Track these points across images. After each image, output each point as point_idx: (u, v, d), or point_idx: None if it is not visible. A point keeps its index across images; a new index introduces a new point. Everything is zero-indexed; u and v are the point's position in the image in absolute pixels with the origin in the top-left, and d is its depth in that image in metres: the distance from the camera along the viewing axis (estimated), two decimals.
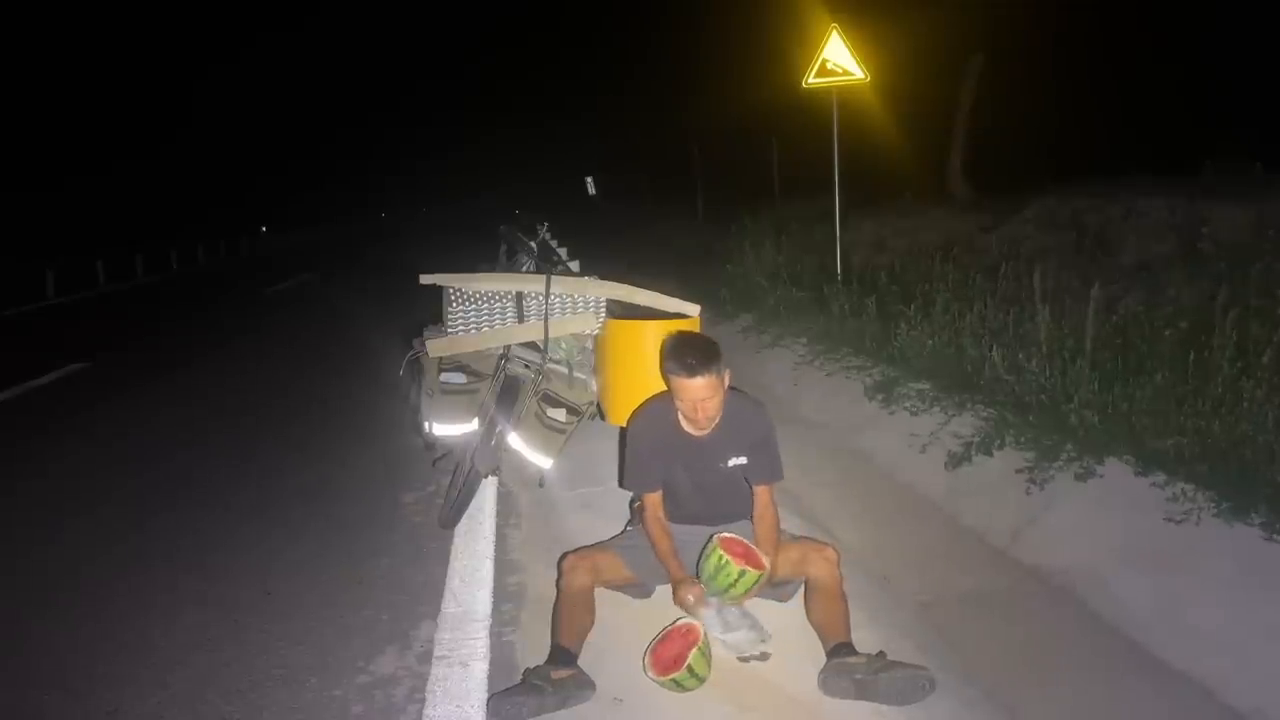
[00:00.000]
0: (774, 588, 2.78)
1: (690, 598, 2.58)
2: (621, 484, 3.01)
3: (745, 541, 2.64)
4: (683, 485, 2.86)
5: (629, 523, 3.09)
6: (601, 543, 2.92)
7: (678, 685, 2.37)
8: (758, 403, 2.92)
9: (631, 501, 3.12)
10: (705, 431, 2.78)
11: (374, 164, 56.35)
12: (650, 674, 2.39)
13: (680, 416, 2.78)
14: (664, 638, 2.46)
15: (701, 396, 2.62)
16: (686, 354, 2.62)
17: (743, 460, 2.80)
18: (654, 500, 2.82)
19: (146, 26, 33.88)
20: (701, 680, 2.39)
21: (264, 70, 41.38)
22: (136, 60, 32.66)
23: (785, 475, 2.89)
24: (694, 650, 2.37)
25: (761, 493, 2.81)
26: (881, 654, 2.40)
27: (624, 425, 3.11)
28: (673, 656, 2.38)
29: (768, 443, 2.84)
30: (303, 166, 44.34)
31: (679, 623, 2.50)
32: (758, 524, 2.78)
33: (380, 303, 10.68)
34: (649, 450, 2.82)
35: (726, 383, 2.69)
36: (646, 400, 2.93)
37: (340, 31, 54.77)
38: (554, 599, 2.68)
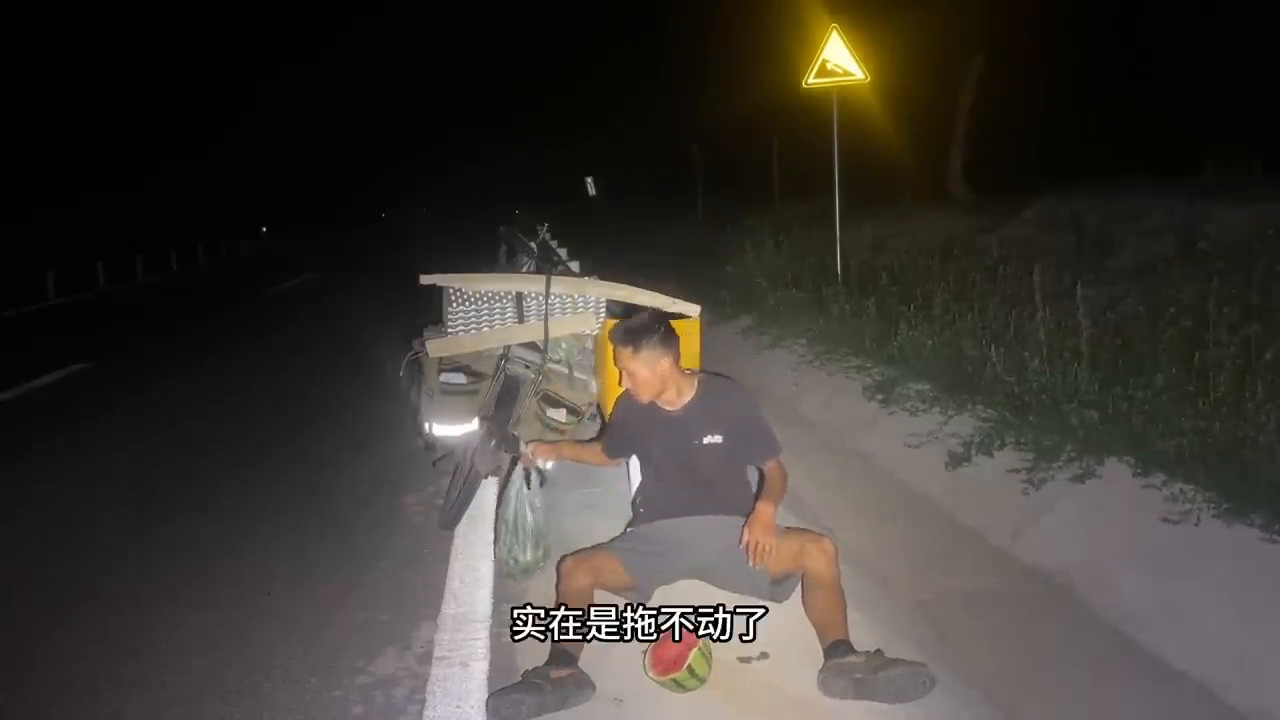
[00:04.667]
0: (772, 585, 2.78)
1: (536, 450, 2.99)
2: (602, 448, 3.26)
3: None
4: (668, 467, 2.94)
5: (629, 524, 3.09)
6: (600, 545, 2.92)
7: (678, 685, 2.37)
8: (734, 381, 3.07)
9: (633, 501, 3.13)
10: (677, 407, 2.92)
11: (375, 165, 56.47)
12: (650, 674, 2.39)
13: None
14: (664, 638, 2.46)
15: (626, 365, 2.84)
16: (624, 326, 2.90)
17: (718, 439, 2.88)
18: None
19: (162, 34, 34.07)
20: (702, 680, 2.39)
21: (271, 80, 41.63)
22: (148, 68, 32.73)
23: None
24: (694, 650, 2.37)
25: (769, 469, 2.92)
26: (879, 651, 2.40)
27: None
28: (673, 657, 2.38)
29: (751, 419, 2.95)
30: (303, 168, 44.42)
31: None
32: (767, 481, 2.89)
33: (380, 303, 10.69)
34: (621, 418, 3.07)
35: (663, 367, 2.83)
36: None
37: (341, 45, 54.77)
38: (553, 601, 2.68)
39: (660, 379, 2.85)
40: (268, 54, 43.46)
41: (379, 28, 61.21)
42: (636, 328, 2.87)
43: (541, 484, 3.72)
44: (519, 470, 3.16)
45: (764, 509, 2.69)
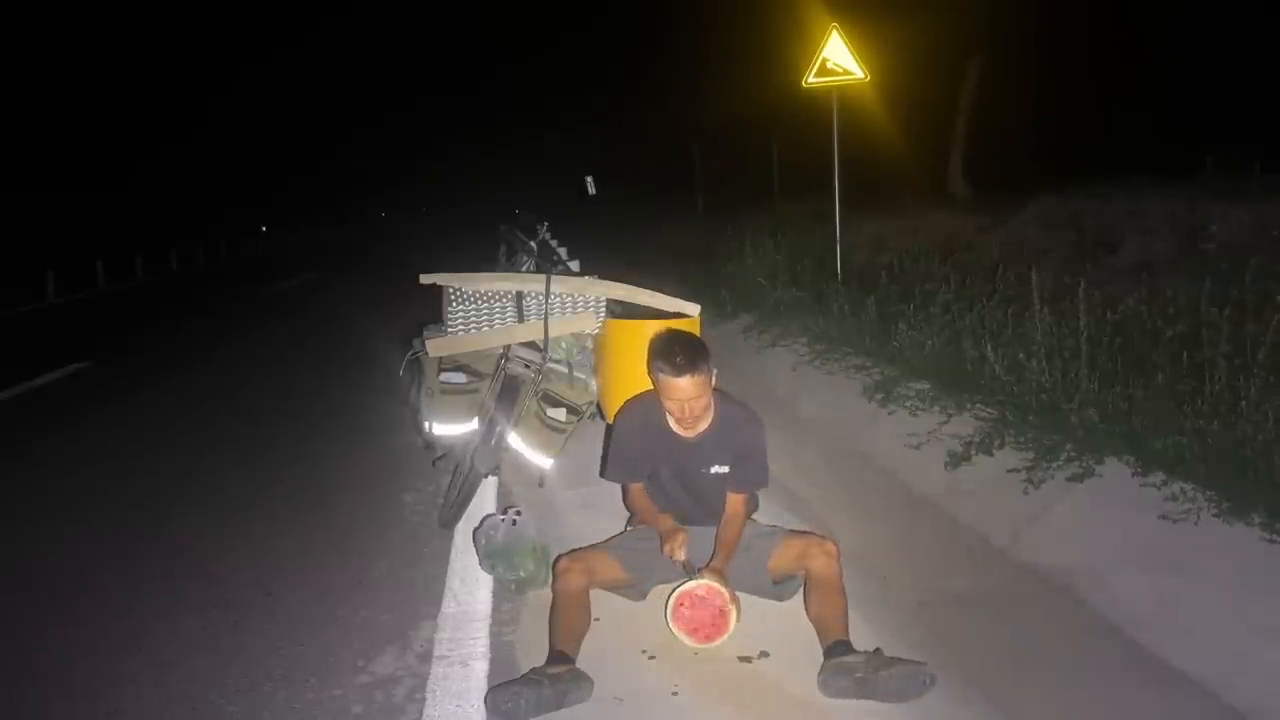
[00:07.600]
0: (774, 585, 2.79)
1: (679, 552, 2.64)
2: (602, 474, 3.06)
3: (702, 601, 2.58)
4: (671, 486, 2.89)
5: (628, 523, 3.09)
6: (596, 544, 2.92)
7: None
8: (753, 413, 2.90)
9: None
10: (694, 434, 2.79)
11: (374, 165, 56.43)
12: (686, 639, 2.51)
13: (668, 417, 2.78)
14: (687, 605, 2.54)
15: (689, 395, 2.64)
16: (675, 353, 2.63)
17: (725, 469, 2.81)
18: (638, 487, 2.91)
19: (162, 28, 33.96)
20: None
21: (268, 75, 41.57)
22: (149, 64, 32.65)
23: (785, 474, 2.90)
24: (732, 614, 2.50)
25: (735, 500, 2.81)
26: (879, 651, 2.40)
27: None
28: (709, 621, 2.51)
29: (754, 452, 2.84)
30: (304, 168, 44.41)
31: (688, 589, 2.57)
32: (724, 527, 2.77)
33: (380, 303, 10.68)
34: (635, 448, 2.88)
35: (713, 382, 2.71)
36: (636, 396, 2.94)
37: (341, 42, 54.58)
38: (550, 601, 2.68)
39: (710, 403, 2.74)
40: (263, 48, 43.39)
41: (381, 41, 61.06)
42: (694, 348, 2.66)
43: (540, 484, 3.73)
44: (492, 520, 3.07)
45: (720, 565, 2.65)
